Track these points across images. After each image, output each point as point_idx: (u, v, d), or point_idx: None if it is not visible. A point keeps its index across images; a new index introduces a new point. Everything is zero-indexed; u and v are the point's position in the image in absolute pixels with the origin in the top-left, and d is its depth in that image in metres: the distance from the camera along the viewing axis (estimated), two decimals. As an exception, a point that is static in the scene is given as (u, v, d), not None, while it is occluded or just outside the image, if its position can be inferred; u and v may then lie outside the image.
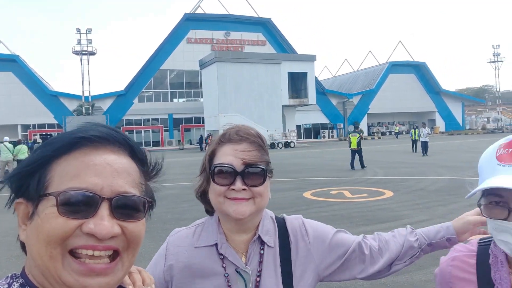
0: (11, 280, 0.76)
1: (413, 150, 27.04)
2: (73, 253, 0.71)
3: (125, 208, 0.74)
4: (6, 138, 19.82)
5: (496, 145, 1.14)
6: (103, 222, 0.70)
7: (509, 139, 1.12)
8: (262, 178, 1.33)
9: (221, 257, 1.39)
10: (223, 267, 1.37)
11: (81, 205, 0.70)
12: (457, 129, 64.51)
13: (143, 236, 0.78)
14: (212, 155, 1.39)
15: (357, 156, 18.35)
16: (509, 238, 1.05)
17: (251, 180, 1.32)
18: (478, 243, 1.26)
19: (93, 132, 0.77)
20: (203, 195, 1.44)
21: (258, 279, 1.37)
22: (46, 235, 0.69)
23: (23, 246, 0.77)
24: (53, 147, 0.75)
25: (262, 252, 1.40)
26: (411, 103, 63.78)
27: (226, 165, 1.32)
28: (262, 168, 1.33)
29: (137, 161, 0.81)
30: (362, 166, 18.15)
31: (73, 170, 0.73)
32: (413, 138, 27.27)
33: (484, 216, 1.12)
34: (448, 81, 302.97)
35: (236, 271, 1.37)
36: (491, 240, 1.20)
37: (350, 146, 18.76)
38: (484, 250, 1.22)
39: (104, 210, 0.71)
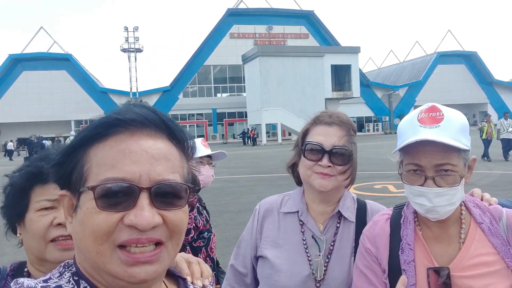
0: (63, 269, 0.76)
1: (486, 157, 17.19)
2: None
3: (165, 196, 0.72)
4: (72, 133, 21.01)
5: (417, 111, 1.29)
6: (143, 213, 0.69)
7: (429, 105, 1.29)
8: (347, 159, 1.51)
9: (301, 223, 1.57)
10: (301, 232, 1.56)
11: (119, 197, 0.69)
12: (512, 121, 61.11)
13: (185, 225, 0.76)
14: (305, 133, 1.60)
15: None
16: (424, 201, 1.23)
17: (337, 159, 1.50)
18: (394, 208, 1.47)
19: (128, 115, 0.73)
20: (292, 167, 1.65)
21: (331, 247, 1.53)
22: (91, 231, 0.69)
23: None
24: (88, 129, 0.74)
25: (338, 225, 1.57)
26: (461, 95, 60.99)
27: (316, 144, 1.51)
28: (348, 150, 1.51)
29: (176, 142, 0.77)
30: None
31: (110, 160, 0.71)
32: (484, 137, 17.61)
33: (404, 183, 1.29)
34: (502, 71, 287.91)
35: (312, 237, 1.54)
36: (404, 205, 1.42)
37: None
38: (397, 213, 1.42)
39: (143, 199, 0.70)
